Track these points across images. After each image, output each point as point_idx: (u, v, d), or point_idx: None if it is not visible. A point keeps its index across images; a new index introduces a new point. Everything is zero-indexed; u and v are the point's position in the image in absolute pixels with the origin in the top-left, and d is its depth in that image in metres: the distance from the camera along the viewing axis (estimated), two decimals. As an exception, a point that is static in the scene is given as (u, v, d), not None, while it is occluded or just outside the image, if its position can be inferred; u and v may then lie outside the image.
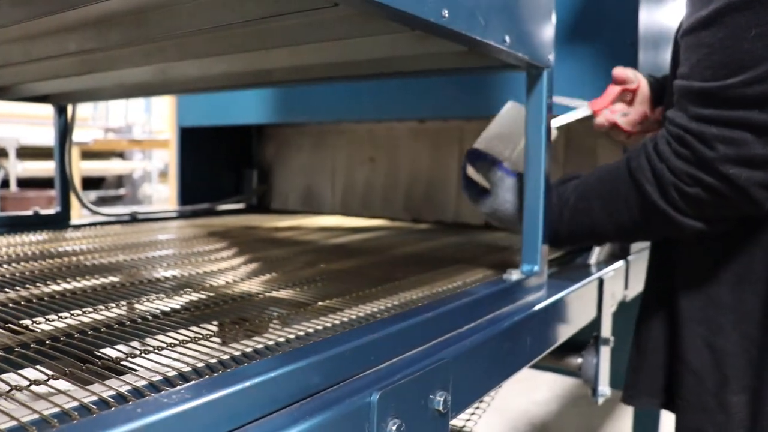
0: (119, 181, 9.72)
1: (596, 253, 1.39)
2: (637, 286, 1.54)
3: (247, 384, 0.52)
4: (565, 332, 1.12)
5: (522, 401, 3.38)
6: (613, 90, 1.26)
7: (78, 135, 7.70)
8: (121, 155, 9.45)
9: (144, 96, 1.56)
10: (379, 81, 1.82)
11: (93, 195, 8.90)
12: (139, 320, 0.82)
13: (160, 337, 0.74)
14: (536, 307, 0.98)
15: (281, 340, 0.73)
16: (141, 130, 10.00)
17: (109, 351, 0.70)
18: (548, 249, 1.10)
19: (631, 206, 1.00)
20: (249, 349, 0.69)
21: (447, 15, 0.76)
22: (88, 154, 8.15)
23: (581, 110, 1.27)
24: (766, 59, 0.82)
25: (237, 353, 0.67)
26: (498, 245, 1.63)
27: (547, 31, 1.03)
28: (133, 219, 2.01)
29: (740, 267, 1.00)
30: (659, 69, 1.61)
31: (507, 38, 0.90)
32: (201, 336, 0.74)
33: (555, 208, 1.10)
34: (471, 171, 1.20)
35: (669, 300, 1.12)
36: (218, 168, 2.49)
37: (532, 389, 3.51)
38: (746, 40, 0.83)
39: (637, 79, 1.26)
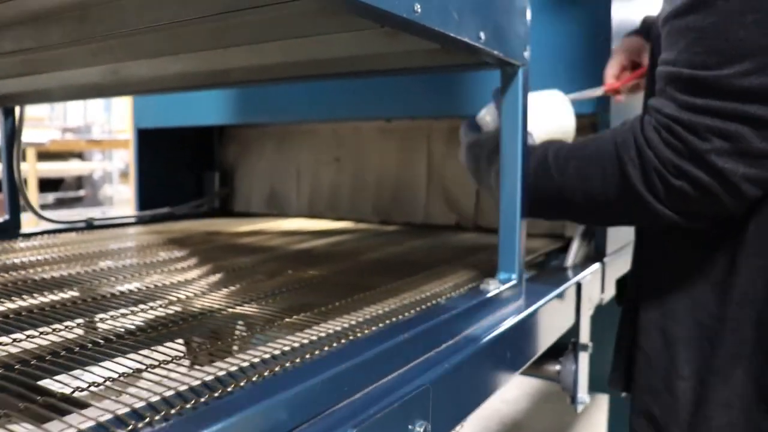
0: (79, 182, 9.50)
1: (572, 255, 1.35)
2: (612, 288, 1.51)
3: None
4: (545, 342, 1.07)
5: (493, 400, 3.34)
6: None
7: (33, 135, 7.50)
8: (80, 156, 9.24)
9: (96, 97, 1.48)
10: (345, 80, 1.76)
11: (51, 197, 8.69)
12: (102, 342, 0.76)
13: (123, 361, 0.70)
14: (515, 319, 0.93)
15: (245, 365, 0.66)
16: (100, 130, 9.79)
17: (67, 380, 0.64)
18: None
19: (608, 178, 0.94)
20: (220, 372, 0.63)
21: (419, 10, 0.70)
22: (45, 155, 7.93)
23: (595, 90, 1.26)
24: (766, 49, 0.78)
25: (208, 378, 0.61)
26: (470, 247, 1.58)
27: (523, 27, 0.98)
28: (90, 226, 1.91)
29: (700, 256, 0.98)
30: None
31: (482, 35, 0.84)
32: (169, 358, 0.69)
33: (530, 159, 1.05)
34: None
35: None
36: (178, 171, 2.39)
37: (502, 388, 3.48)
38: (742, 27, 0.78)
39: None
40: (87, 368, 0.70)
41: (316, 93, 1.86)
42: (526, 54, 0.99)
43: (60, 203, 8.84)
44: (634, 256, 1.19)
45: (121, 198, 9.37)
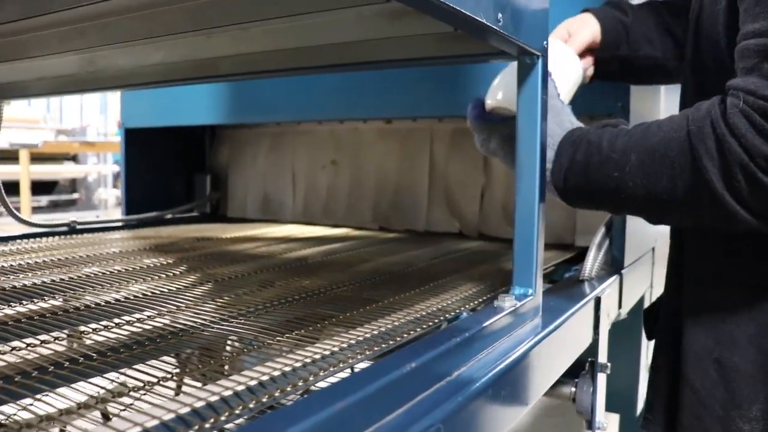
0: (73, 185, 9.40)
1: (589, 267, 1.25)
2: (630, 302, 1.40)
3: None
4: (564, 364, 0.97)
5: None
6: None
7: (26, 137, 7.41)
8: (74, 158, 9.14)
9: (76, 92, 1.38)
10: (343, 76, 1.66)
11: (44, 200, 8.59)
12: (81, 359, 0.70)
13: (103, 382, 0.65)
14: (534, 340, 0.82)
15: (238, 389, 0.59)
16: (96, 132, 9.71)
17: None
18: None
19: (677, 176, 0.79)
20: (213, 398, 0.57)
21: (431, -19, 0.59)
22: (39, 157, 7.84)
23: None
24: None
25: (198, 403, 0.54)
26: (476, 257, 1.49)
27: (543, 14, 0.88)
28: (72, 230, 1.81)
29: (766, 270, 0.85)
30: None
31: (500, 17, 0.74)
32: (156, 379, 0.65)
33: (578, 148, 0.90)
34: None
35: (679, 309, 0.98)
36: (168, 173, 2.29)
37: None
38: None
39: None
40: (59, 391, 0.64)
41: (312, 91, 1.76)
42: (546, 43, 0.89)
43: (53, 206, 8.74)
44: (673, 272, 1.03)
45: (116, 201, 9.29)
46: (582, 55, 1.13)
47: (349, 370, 0.68)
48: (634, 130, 0.86)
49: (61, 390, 0.64)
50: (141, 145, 2.17)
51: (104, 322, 0.84)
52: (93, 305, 0.92)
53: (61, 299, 0.96)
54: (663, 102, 1.60)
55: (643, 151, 0.82)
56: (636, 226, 1.42)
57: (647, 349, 1.73)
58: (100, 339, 0.78)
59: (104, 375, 0.67)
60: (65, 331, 0.80)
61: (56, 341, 0.76)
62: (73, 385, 0.65)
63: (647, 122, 0.86)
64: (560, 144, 0.91)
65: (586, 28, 1.13)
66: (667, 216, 0.90)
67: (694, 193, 0.78)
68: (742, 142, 0.73)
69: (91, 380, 0.66)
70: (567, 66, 1.06)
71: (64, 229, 1.80)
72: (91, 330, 0.81)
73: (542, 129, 0.89)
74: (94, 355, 0.71)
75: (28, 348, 0.73)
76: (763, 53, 0.73)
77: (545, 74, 0.90)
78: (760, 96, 0.72)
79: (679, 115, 0.82)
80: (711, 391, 0.89)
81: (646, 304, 1.65)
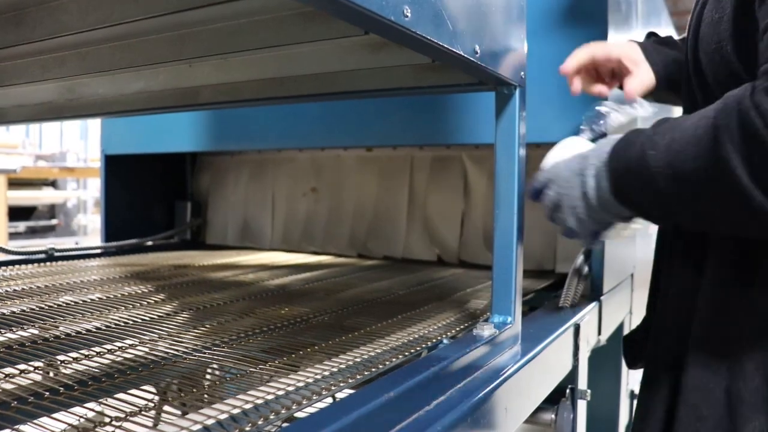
0: (52, 210, 9.29)
1: (568, 294, 1.25)
2: (610, 328, 1.41)
3: None
4: (543, 391, 0.97)
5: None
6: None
7: (4, 162, 7.34)
8: (53, 184, 9.05)
9: (55, 119, 1.37)
10: (323, 105, 1.67)
11: (22, 226, 8.48)
12: (61, 389, 0.69)
13: (82, 411, 0.64)
14: (513, 368, 0.83)
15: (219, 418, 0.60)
16: (76, 158, 9.62)
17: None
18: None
19: (701, 154, 0.74)
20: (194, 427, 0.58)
21: (409, 15, 0.60)
22: (17, 183, 7.75)
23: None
24: None
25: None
26: (456, 285, 1.49)
27: (519, 44, 0.89)
28: (50, 257, 1.79)
29: None
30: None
31: (477, 49, 0.75)
32: (136, 409, 0.64)
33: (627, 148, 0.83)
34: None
35: (683, 333, 0.93)
36: (148, 200, 2.28)
37: None
38: None
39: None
40: (38, 421, 0.63)
41: (293, 119, 1.76)
42: (523, 74, 0.91)
43: (31, 232, 8.62)
44: (680, 298, 0.96)
45: (96, 227, 9.19)
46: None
47: (330, 399, 0.68)
48: (678, 118, 0.82)
49: (41, 420, 0.63)
50: (122, 172, 2.16)
51: (83, 351, 0.83)
52: (71, 334, 0.91)
53: (38, 328, 0.95)
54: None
55: (677, 130, 0.78)
56: (614, 252, 1.44)
57: (627, 375, 1.74)
58: (79, 368, 0.78)
59: (84, 405, 0.66)
60: (44, 360, 0.79)
61: (35, 371, 0.75)
62: (52, 416, 0.64)
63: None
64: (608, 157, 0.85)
65: (640, 75, 1.10)
66: (698, 206, 0.80)
67: (714, 175, 0.73)
68: (765, 120, 0.68)
69: (70, 410, 0.65)
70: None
71: (42, 256, 1.78)
72: (71, 359, 0.80)
73: (520, 158, 0.90)
74: (74, 384, 0.70)
75: (6, 378, 0.72)
76: None
77: (523, 104, 0.91)
78: None
79: (715, 104, 0.77)
80: (718, 420, 0.85)
81: (626, 330, 1.66)
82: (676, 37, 1.20)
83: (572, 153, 0.91)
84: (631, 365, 1.11)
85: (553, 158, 0.95)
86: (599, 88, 1.14)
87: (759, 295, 0.85)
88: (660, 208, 0.83)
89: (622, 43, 1.14)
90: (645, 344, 1.04)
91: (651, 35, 1.20)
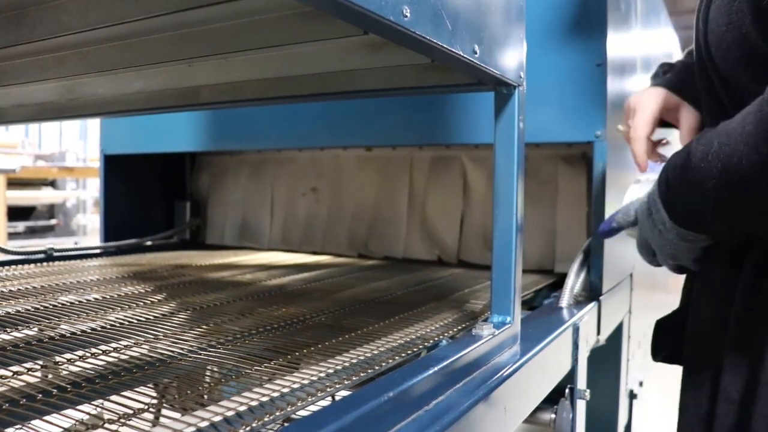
0: (51, 210, 9.29)
1: (567, 294, 1.26)
2: (609, 328, 1.41)
3: None
4: (542, 391, 0.97)
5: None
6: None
7: (4, 162, 7.34)
8: (52, 184, 9.05)
9: (55, 119, 1.37)
10: (323, 104, 1.67)
11: (21, 226, 8.48)
12: (55, 391, 0.68)
13: (77, 414, 0.64)
14: (512, 368, 0.83)
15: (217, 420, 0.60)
16: (75, 158, 9.62)
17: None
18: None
19: (751, 149, 0.71)
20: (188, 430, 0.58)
21: (409, 15, 0.60)
22: (16, 183, 7.75)
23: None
24: None
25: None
26: (455, 284, 1.49)
27: (519, 44, 0.89)
28: (49, 257, 1.79)
29: None
30: (626, 92, 1.51)
31: (477, 49, 0.75)
32: (133, 411, 0.64)
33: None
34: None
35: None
36: (148, 200, 2.28)
37: None
38: None
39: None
40: (32, 424, 0.63)
41: (293, 119, 1.76)
42: (523, 74, 0.91)
43: (31, 232, 8.62)
44: (708, 291, 0.93)
45: (95, 227, 9.19)
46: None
47: (329, 399, 0.68)
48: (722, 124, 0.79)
49: (35, 423, 0.63)
50: (121, 172, 2.16)
51: (80, 352, 0.83)
52: (69, 335, 0.91)
53: (36, 329, 0.95)
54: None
55: (724, 134, 0.75)
56: (614, 252, 1.44)
57: (626, 374, 1.74)
58: (76, 369, 0.77)
59: (79, 407, 0.66)
60: (39, 362, 0.79)
61: (29, 372, 0.74)
62: (46, 418, 0.64)
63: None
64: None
65: (691, 112, 1.10)
66: (751, 201, 0.77)
67: (760, 160, 0.70)
68: None
69: (65, 412, 0.65)
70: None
71: (41, 256, 1.78)
72: (66, 360, 0.80)
73: (519, 158, 0.90)
74: (69, 386, 0.70)
75: (1, 380, 0.72)
76: None
77: (522, 105, 0.92)
78: None
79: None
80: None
81: (625, 330, 1.66)
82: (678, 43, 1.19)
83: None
84: (658, 360, 1.06)
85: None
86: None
87: None
88: (722, 218, 0.81)
89: (652, 92, 1.12)
90: (672, 336, 1.00)
91: (664, 65, 1.19)
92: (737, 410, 0.83)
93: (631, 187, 1.03)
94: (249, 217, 2.26)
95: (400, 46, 0.69)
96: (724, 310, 0.88)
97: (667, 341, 1.03)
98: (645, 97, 1.12)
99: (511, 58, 0.86)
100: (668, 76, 1.15)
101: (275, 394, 0.68)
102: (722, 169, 0.74)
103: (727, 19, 0.84)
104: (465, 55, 0.72)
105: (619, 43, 1.43)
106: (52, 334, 0.91)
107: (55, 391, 0.68)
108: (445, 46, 0.67)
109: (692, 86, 1.04)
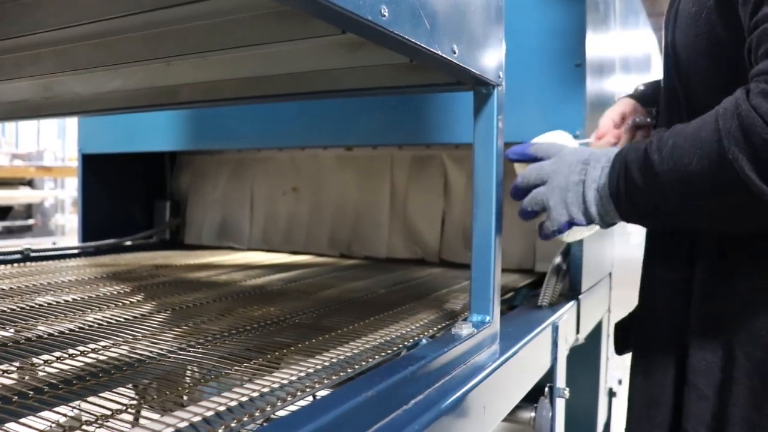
0: (29, 210, 9.19)
1: (546, 293, 1.26)
2: (588, 327, 1.42)
3: None
4: (521, 390, 0.98)
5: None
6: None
7: (-22, 161, 7.25)
8: (30, 183, 8.95)
9: (32, 118, 1.35)
10: (303, 104, 1.67)
11: (-2, 226, 8.38)
12: (31, 393, 0.68)
13: (53, 416, 0.64)
14: (491, 367, 0.83)
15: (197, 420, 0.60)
16: (53, 157, 9.52)
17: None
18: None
19: (705, 156, 0.77)
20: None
21: (387, 14, 0.60)
22: (-8, 182, 7.67)
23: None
24: None
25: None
26: (436, 284, 1.49)
27: (498, 45, 0.89)
28: (26, 258, 1.77)
29: None
30: (605, 92, 1.52)
31: (455, 48, 0.75)
32: (110, 413, 0.63)
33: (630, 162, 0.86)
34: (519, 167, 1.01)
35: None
36: (127, 199, 2.26)
37: None
38: None
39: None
40: (7, 426, 0.63)
41: (273, 119, 1.76)
42: (502, 74, 0.91)
43: (8, 232, 8.52)
44: (665, 283, 0.99)
45: (74, 227, 9.10)
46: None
47: (311, 398, 0.68)
48: (678, 126, 0.84)
49: (10, 426, 0.63)
50: (99, 171, 2.14)
51: (57, 353, 0.82)
52: (46, 336, 0.90)
53: (12, 330, 0.94)
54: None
55: (680, 136, 0.81)
56: (593, 251, 1.45)
57: (606, 373, 1.75)
58: (53, 371, 0.76)
59: (57, 409, 0.65)
60: (15, 363, 0.78)
61: (5, 374, 0.73)
62: (22, 420, 0.63)
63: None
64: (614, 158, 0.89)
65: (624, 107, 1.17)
66: (706, 208, 0.84)
67: (721, 175, 0.76)
68: (765, 120, 0.71)
69: (42, 414, 0.64)
70: None
71: (18, 256, 1.76)
72: (43, 362, 0.79)
73: (498, 157, 0.90)
74: (46, 388, 0.69)
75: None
76: None
77: (501, 104, 0.92)
78: None
79: (714, 109, 0.79)
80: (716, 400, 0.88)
81: (604, 329, 1.67)
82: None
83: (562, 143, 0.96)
84: (620, 352, 1.11)
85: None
86: None
87: (740, 280, 0.88)
88: (662, 208, 0.86)
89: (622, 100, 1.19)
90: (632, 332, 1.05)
91: (641, 85, 1.24)
92: (711, 407, 0.87)
93: (520, 166, 1.02)
94: (229, 216, 2.25)
95: (378, 45, 0.69)
96: (681, 299, 0.95)
97: (627, 339, 1.08)
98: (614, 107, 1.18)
99: (490, 58, 0.86)
100: (639, 89, 1.21)
101: (255, 394, 0.68)
102: (673, 166, 0.79)
103: (695, 31, 0.87)
104: (444, 55, 0.72)
105: (598, 44, 1.44)
106: (29, 335, 0.90)
107: (31, 392, 0.68)
108: (423, 45, 0.68)
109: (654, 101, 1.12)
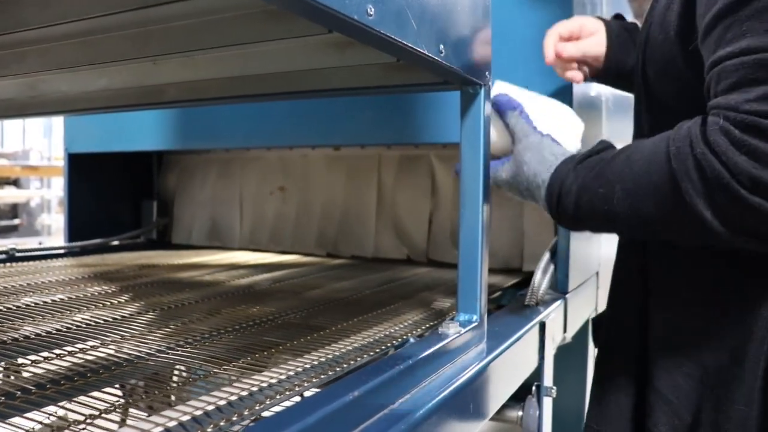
0: (14, 210, 9.13)
1: (534, 292, 1.26)
2: (575, 326, 1.43)
3: None
4: (508, 389, 0.98)
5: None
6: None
7: (-37, 161, 7.20)
8: (15, 183, 8.90)
9: (16, 117, 1.34)
10: (291, 103, 1.66)
11: (-18, 225, 8.33)
12: (18, 393, 0.68)
13: (40, 417, 0.64)
14: (478, 366, 0.83)
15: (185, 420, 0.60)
16: (39, 156, 9.47)
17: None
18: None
19: (660, 201, 0.77)
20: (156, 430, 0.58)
21: (373, 13, 0.60)
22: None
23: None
24: None
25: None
26: (423, 283, 1.49)
27: (485, 44, 0.89)
28: (11, 258, 1.76)
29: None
30: (592, 89, 1.53)
31: (442, 48, 0.75)
32: (98, 412, 0.63)
33: (566, 185, 0.89)
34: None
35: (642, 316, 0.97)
36: (114, 199, 2.25)
37: None
38: None
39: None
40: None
41: (261, 118, 1.75)
42: (489, 73, 0.91)
43: (-7, 232, 8.47)
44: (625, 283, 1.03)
45: (60, 227, 9.04)
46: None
47: (298, 397, 0.68)
48: (618, 156, 0.84)
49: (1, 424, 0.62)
50: (86, 171, 2.13)
51: (44, 354, 0.81)
52: (32, 336, 0.90)
53: (-2, 330, 0.93)
54: (605, 125, 1.65)
55: (628, 180, 0.80)
56: (580, 250, 1.45)
57: (593, 371, 1.76)
58: (40, 371, 0.76)
59: (44, 409, 0.65)
60: (2, 364, 0.78)
61: (-6, 374, 0.73)
62: (10, 421, 0.63)
63: (631, 145, 0.85)
64: (550, 181, 0.91)
65: (597, 45, 1.16)
66: (664, 237, 0.87)
67: (679, 218, 0.76)
68: (723, 159, 0.70)
69: (28, 415, 0.64)
70: (571, 123, 1.07)
71: (3, 256, 1.75)
72: (30, 362, 0.79)
73: (485, 157, 0.90)
74: (33, 388, 0.69)
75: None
76: (742, 71, 0.71)
77: (487, 103, 0.92)
78: (742, 110, 0.70)
79: (660, 137, 0.79)
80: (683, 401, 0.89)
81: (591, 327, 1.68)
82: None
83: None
84: (597, 346, 1.13)
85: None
86: (571, 75, 1.19)
87: (709, 288, 0.89)
88: (613, 229, 0.91)
89: (588, 17, 1.19)
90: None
91: (617, 17, 1.23)
92: (674, 410, 0.89)
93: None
94: (217, 216, 2.25)
95: (365, 45, 0.69)
96: (635, 300, 0.98)
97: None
98: (580, 17, 1.19)
99: (477, 58, 0.86)
100: (612, 21, 1.21)
101: (243, 393, 0.68)
102: (631, 214, 0.81)
103: (661, 57, 0.90)
104: (430, 54, 0.72)
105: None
106: (15, 336, 0.90)
107: (18, 393, 0.67)
108: (410, 45, 0.68)
109: (623, 46, 1.15)
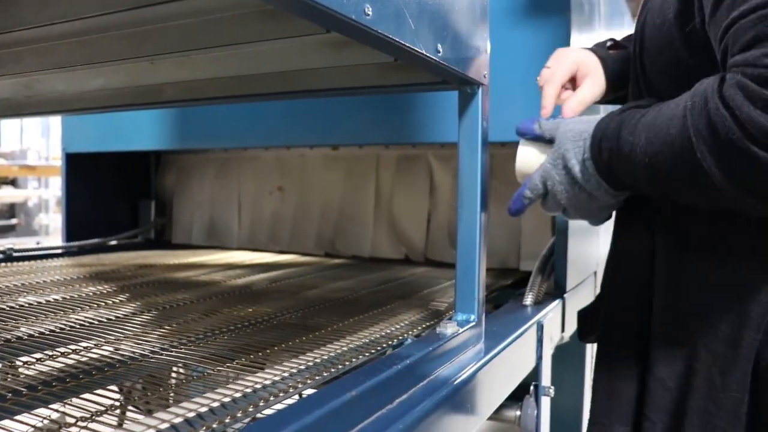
0: (11, 209, 9.12)
1: (532, 292, 1.26)
2: (573, 326, 1.43)
3: None
4: (506, 389, 0.98)
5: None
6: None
7: (-40, 161, 7.19)
8: (13, 182, 8.88)
9: (13, 117, 1.34)
10: (289, 103, 1.66)
11: (-21, 225, 8.32)
12: (23, 391, 0.68)
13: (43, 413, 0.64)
14: (476, 366, 0.83)
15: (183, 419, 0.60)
16: (37, 156, 9.46)
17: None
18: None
19: (676, 154, 0.76)
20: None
21: (370, 13, 0.60)
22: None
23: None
24: None
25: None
26: (421, 283, 1.50)
27: (483, 44, 0.89)
28: (9, 258, 1.76)
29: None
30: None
31: (440, 48, 0.75)
32: (98, 411, 0.63)
33: (611, 131, 0.86)
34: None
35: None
36: (111, 198, 2.25)
37: None
38: None
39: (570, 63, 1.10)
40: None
41: (258, 118, 1.75)
42: (486, 74, 0.91)
43: (-10, 232, 8.46)
44: (628, 269, 0.99)
45: (58, 227, 9.04)
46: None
47: (296, 397, 0.68)
48: (653, 108, 0.82)
49: (1, 423, 0.62)
50: (83, 170, 2.13)
51: (40, 354, 0.81)
52: (28, 336, 0.89)
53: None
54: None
55: (651, 130, 0.79)
56: (578, 250, 1.45)
57: (591, 371, 1.76)
58: (35, 372, 0.76)
59: (38, 410, 0.65)
60: (1, 362, 0.78)
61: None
62: (2, 423, 0.63)
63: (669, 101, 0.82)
64: (593, 132, 0.88)
65: (597, 85, 1.10)
66: (679, 194, 0.84)
67: (692, 173, 0.75)
68: (736, 114, 0.68)
69: (22, 417, 0.64)
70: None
71: (0, 256, 1.75)
72: (24, 363, 0.78)
73: (483, 157, 0.90)
74: (32, 388, 0.69)
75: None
76: (760, 25, 0.69)
77: (486, 103, 0.92)
78: (760, 65, 0.67)
79: (688, 92, 0.77)
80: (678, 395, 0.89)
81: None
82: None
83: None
84: (584, 339, 1.12)
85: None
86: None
87: (709, 271, 0.88)
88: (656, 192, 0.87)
89: (580, 50, 1.15)
90: (597, 319, 1.05)
91: (611, 40, 1.22)
92: (672, 397, 0.89)
93: (521, 150, 0.98)
94: (215, 216, 2.24)
95: (363, 45, 0.69)
96: (645, 285, 0.95)
97: (591, 327, 1.07)
98: (572, 51, 1.13)
99: (474, 58, 0.86)
100: (609, 52, 1.18)
101: (240, 394, 0.68)
102: (649, 164, 0.80)
103: (659, 42, 0.88)
104: (428, 54, 0.72)
105: (582, 44, 1.44)
106: (10, 336, 0.89)
107: (9, 395, 0.67)
108: (407, 44, 0.68)
109: (620, 77, 1.09)
